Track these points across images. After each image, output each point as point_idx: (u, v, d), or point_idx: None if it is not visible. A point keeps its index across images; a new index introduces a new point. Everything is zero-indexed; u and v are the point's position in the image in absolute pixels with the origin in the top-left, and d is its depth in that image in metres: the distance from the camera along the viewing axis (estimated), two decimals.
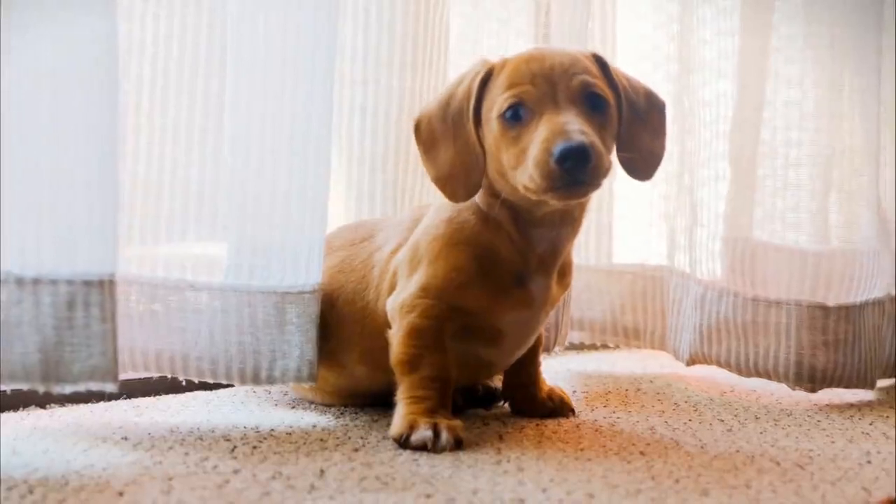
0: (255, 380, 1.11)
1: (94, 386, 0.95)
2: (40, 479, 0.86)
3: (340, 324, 1.14)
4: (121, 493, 0.83)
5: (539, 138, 0.97)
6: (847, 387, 1.35)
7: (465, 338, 1.08)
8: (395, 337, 1.06)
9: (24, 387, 0.94)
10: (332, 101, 1.11)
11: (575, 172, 0.95)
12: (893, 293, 1.44)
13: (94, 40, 0.95)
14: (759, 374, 1.37)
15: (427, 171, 1.09)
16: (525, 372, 1.19)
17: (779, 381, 1.36)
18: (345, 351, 1.14)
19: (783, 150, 1.41)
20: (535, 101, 1.00)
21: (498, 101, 1.02)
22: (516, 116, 1.01)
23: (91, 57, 0.95)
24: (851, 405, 1.32)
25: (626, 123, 1.06)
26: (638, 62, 1.58)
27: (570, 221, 1.08)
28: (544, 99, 1.00)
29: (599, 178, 0.98)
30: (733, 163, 1.42)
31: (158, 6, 1.11)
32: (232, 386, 1.25)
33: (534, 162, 0.97)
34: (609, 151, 1.03)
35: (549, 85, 1.00)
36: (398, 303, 1.07)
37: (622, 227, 1.61)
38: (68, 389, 0.94)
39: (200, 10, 1.12)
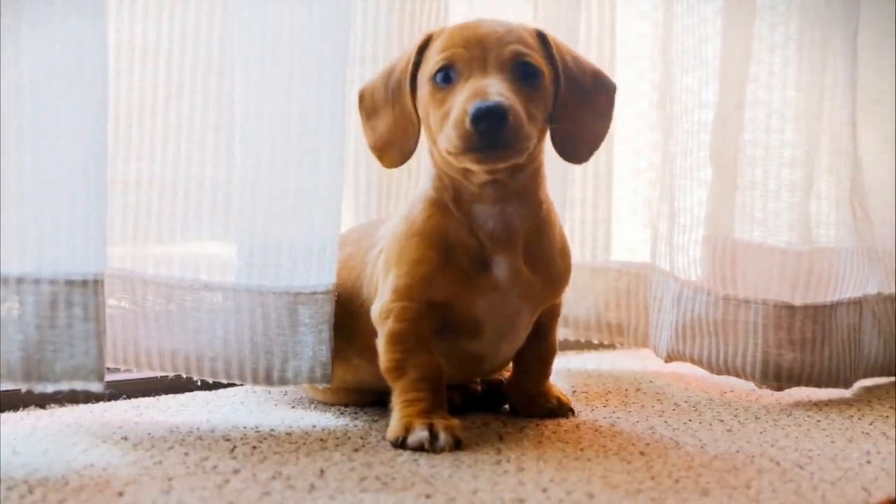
0: (268, 380, 1.11)
1: (78, 385, 0.95)
2: (40, 479, 0.86)
3: (344, 317, 1.14)
4: (121, 493, 0.83)
5: (459, 99, 0.99)
6: (817, 386, 1.35)
7: (447, 333, 1.08)
8: (380, 345, 1.07)
9: (7, 385, 0.95)
10: (344, 98, 1.11)
11: (490, 134, 0.96)
12: (890, 292, 1.43)
13: (80, 40, 0.95)
14: (728, 372, 1.37)
15: (366, 139, 1.11)
16: (529, 372, 1.18)
17: (746, 379, 1.36)
18: (347, 344, 1.14)
19: (763, 151, 1.40)
20: (465, 65, 1.01)
21: (430, 63, 1.03)
22: (447, 79, 1.02)
23: (77, 56, 0.94)
24: (851, 405, 1.32)
25: (563, 100, 1.06)
26: (635, 60, 1.58)
27: (514, 196, 1.06)
28: (474, 63, 1.01)
29: (519, 141, 0.98)
30: (715, 162, 1.42)
31: (174, 4, 1.11)
32: (232, 385, 1.25)
33: (453, 123, 0.98)
34: (537, 123, 1.02)
35: (480, 50, 1.01)
36: (377, 310, 1.07)
37: (615, 225, 1.60)
38: (50, 388, 0.94)
39: (213, 7, 1.13)
